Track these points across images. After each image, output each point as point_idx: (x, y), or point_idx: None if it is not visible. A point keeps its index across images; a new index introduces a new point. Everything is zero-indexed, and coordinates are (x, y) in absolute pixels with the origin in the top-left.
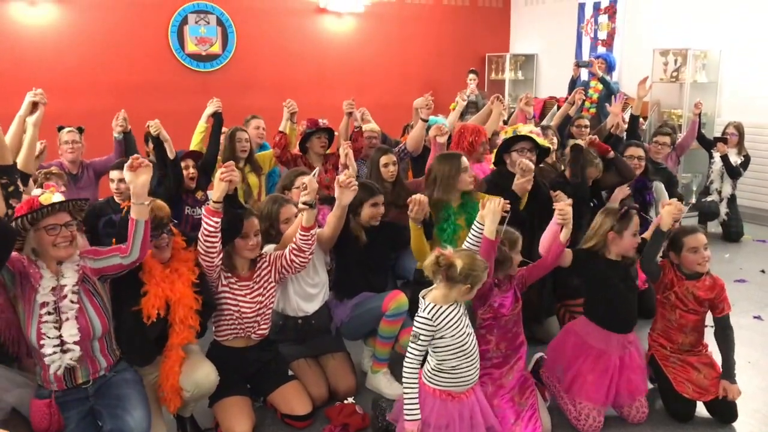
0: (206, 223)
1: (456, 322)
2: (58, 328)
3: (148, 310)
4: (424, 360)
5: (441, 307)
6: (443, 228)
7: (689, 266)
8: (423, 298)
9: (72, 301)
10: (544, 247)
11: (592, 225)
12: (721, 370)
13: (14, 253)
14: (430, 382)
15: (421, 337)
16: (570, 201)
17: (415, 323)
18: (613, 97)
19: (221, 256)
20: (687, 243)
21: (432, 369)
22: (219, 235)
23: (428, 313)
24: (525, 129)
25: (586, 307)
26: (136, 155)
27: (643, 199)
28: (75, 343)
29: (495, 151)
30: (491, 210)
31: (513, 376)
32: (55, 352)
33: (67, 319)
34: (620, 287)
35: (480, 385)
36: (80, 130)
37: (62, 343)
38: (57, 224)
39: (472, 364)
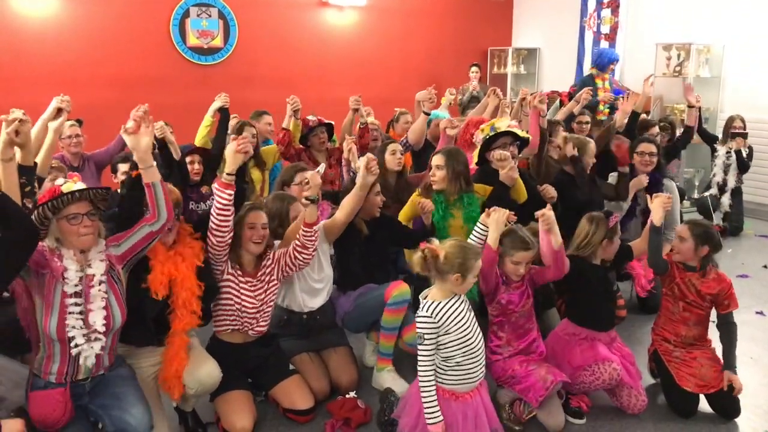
0: (219, 196)
1: (459, 316)
2: (85, 319)
3: (155, 287)
4: None
5: (440, 302)
6: (433, 214)
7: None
8: (423, 298)
9: (101, 290)
10: (546, 257)
11: (580, 232)
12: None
13: None
14: (441, 382)
15: (426, 336)
16: (548, 207)
17: (418, 323)
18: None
19: (231, 234)
20: (677, 232)
21: (437, 367)
22: (232, 208)
23: (428, 311)
24: (503, 124)
25: (568, 309)
26: (135, 117)
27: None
28: (100, 333)
29: (475, 152)
30: (495, 220)
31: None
32: (86, 341)
33: (92, 310)
34: (599, 290)
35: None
36: (79, 123)
37: (91, 332)
38: (78, 213)
39: (477, 360)
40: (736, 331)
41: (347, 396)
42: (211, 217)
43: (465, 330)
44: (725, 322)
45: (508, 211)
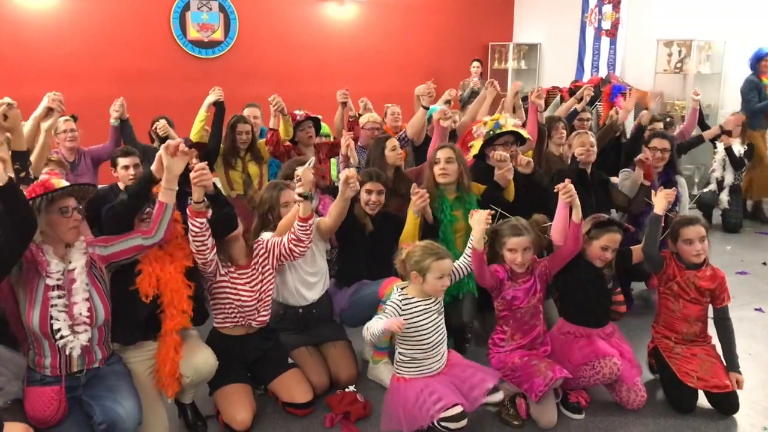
0: (191, 224)
1: (424, 319)
2: (68, 311)
3: (144, 289)
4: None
5: (414, 298)
6: (440, 218)
7: (685, 257)
8: (400, 288)
9: (83, 284)
10: (558, 235)
11: None
12: (724, 362)
13: None
14: (400, 372)
15: (387, 317)
16: (567, 181)
17: (387, 304)
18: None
19: (215, 251)
20: (682, 234)
21: (401, 360)
22: (207, 233)
23: (401, 300)
24: (508, 123)
25: (562, 307)
26: (177, 141)
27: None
28: (86, 324)
29: (475, 143)
30: (476, 220)
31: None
32: (71, 333)
33: (75, 303)
34: (591, 286)
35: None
36: (74, 118)
37: (76, 324)
38: (69, 206)
39: (436, 357)
40: (733, 327)
41: (346, 390)
42: (190, 242)
43: (425, 333)
44: (722, 318)
45: (486, 211)
